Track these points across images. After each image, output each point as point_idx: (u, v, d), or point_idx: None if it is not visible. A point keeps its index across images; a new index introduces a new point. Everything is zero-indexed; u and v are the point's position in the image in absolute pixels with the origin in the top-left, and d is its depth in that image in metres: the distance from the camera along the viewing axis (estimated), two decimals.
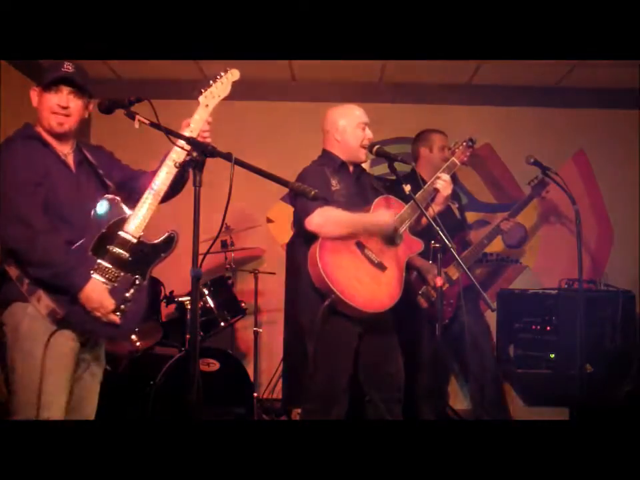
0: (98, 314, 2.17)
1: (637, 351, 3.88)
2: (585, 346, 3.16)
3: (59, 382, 2.15)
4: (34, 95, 2.27)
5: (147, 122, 2.01)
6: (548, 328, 3.96)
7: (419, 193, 2.84)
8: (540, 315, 4.01)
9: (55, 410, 2.12)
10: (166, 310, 4.03)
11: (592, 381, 3.41)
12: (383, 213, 2.81)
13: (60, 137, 2.27)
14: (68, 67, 2.22)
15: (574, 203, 3.17)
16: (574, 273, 3.49)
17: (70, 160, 2.29)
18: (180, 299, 3.89)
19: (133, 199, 2.33)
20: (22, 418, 2.10)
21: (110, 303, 2.18)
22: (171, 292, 3.95)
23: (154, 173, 2.35)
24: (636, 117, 4.68)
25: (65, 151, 2.29)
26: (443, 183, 2.87)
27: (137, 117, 2.01)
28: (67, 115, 2.24)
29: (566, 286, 4.15)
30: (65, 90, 2.22)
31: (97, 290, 2.16)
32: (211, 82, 2.35)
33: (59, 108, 2.22)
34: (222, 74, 2.37)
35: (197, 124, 2.31)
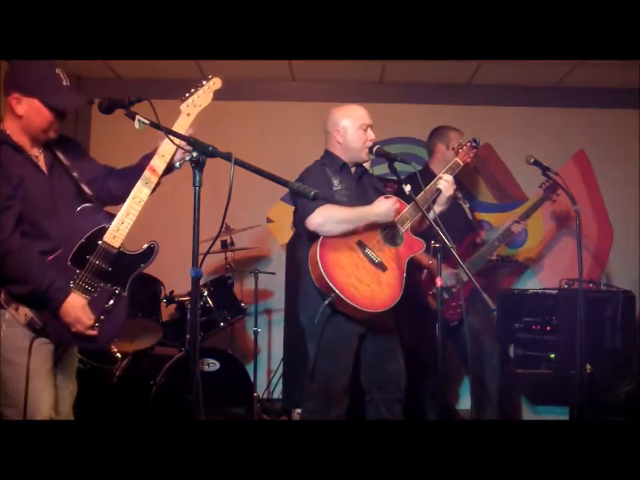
0: (74, 329, 2.14)
1: (637, 351, 3.88)
2: (585, 346, 3.15)
3: (45, 383, 2.14)
4: (20, 103, 2.13)
5: (147, 122, 2.01)
6: (548, 328, 3.96)
7: (421, 194, 2.83)
8: (540, 315, 4.01)
9: (44, 410, 2.11)
10: (166, 310, 4.03)
11: (592, 381, 3.41)
12: (381, 201, 2.80)
13: (38, 140, 2.21)
14: (68, 83, 2.16)
15: (574, 203, 3.17)
16: (574, 272, 3.50)
17: (42, 162, 2.22)
18: (180, 299, 3.90)
19: (100, 197, 2.31)
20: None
21: (88, 319, 2.15)
22: (171, 292, 3.95)
23: (122, 171, 2.36)
24: (636, 116, 4.68)
25: (36, 151, 2.22)
26: (445, 184, 2.86)
27: (137, 116, 2.01)
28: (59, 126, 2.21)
29: (566, 286, 4.14)
30: None
31: (75, 306, 2.13)
32: (192, 90, 2.33)
33: (57, 123, 2.19)
34: (203, 82, 2.34)
35: (179, 132, 2.26)
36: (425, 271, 3.48)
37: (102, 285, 2.21)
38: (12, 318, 2.09)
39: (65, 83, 2.17)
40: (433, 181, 2.93)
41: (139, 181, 2.24)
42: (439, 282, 2.64)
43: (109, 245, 2.21)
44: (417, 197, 2.72)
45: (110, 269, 2.21)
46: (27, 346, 2.07)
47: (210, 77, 2.36)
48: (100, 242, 2.20)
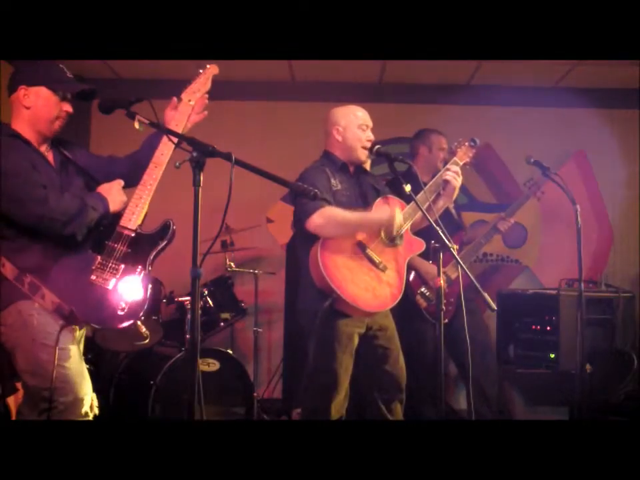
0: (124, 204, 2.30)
1: (636, 351, 3.88)
2: (585, 346, 3.15)
3: (83, 364, 2.25)
4: (27, 95, 2.24)
5: (147, 122, 2.02)
6: (548, 328, 3.95)
7: (420, 194, 2.82)
8: (540, 315, 4.01)
9: (88, 389, 2.21)
10: (166, 310, 4.03)
11: (592, 381, 3.41)
12: (383, 210, 2.82)
13: (46, 137, 2.31)
14: (70, 74, 2.29)
15: (574, 203, 3.16)
16: (574, 272, 3.49)
17: (51, 158, 2.33)
18: (180, 299, 3.89)
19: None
20: (70, 414, 2.14)
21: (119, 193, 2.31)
22: (171, 292, 3.95)
23: (128, 157, 2.48)
24: (636, 116, 4.68)
25: (45, 149, 2.32)
26: (453, 174, 2.87)
27: (137, 116, 2.03)
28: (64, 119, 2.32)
29: (566, 286, 4.14)
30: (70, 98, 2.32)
31: (113, 192, 2.28)
32: (191, 80, 2.48)
33: (66, 114, 2.30)
34: (200, 71, 2.48)
35: (182, 118, 2.43)
36: (413, 271, 3.48)
37: (124, 266, 2.27)
38: (40, 307, 2.16)
39: (68, 75, 2.30)
40: (440, 172, 2.93)
41: (149, 165, 2.32)
42: (439, 282, 2.64)
43: (126, 228, 2.29)
44: (417, 196, 2.72)
45: (129, 250, 2.29)
46: (58, 330, 2.15)
47: (207, 65, 2.49)
48: (117, 227, 2.28)
